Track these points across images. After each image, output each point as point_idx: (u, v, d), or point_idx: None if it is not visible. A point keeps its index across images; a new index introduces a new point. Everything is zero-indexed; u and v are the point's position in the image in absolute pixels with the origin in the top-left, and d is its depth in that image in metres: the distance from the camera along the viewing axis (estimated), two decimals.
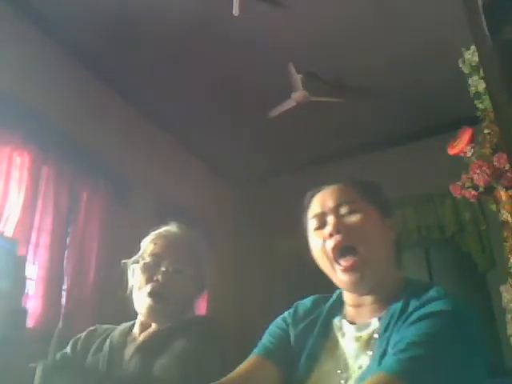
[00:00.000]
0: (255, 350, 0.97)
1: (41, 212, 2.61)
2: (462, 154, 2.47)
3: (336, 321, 0.94)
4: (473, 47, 2.44)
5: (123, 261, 1.32)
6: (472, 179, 2.30)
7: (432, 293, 0.83)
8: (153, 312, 1.22)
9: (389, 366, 0.72)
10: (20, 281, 1.06)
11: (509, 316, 2.23)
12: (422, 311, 0.79)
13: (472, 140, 2.45)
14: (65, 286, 2.66)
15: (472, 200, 2.54)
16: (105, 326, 1.35)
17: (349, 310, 0.95)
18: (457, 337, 0.75)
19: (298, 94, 3.39)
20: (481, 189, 2.28)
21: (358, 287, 0.89)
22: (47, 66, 2.94)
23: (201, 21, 2.97)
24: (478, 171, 2.24)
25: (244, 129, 4.05)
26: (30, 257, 2.48)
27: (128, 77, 3.40)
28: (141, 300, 1.23)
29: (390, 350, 0.77)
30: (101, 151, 3.16)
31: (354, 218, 0.92)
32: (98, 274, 2.83)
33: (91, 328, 1.33)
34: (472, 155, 2.39)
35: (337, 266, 0.90)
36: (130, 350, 1.21)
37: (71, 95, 3.06)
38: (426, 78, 3.48)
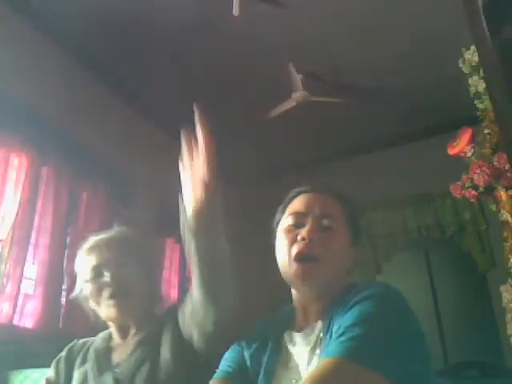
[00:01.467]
0: (215, 376, 0.99)
1: (40, 212, 2.61)
2: (462, 154, 2.47)
3: (286, 334, 0.97)
4: (473, 47, 2.44)
5: (72, 296, 1.32)
6: (472, 179, 2.30)
7: (362, 285, 0.88)
8: (121, 311, 1.23)
9: (331, 351, 0.75)
10: None
11: (509, 316, 2.23)
12: (355, 299, 0.83)
13: (472, 140, 2.45)
14: (65, 286, 2.66)
15: (472, 200, 2.54)
16: (82, 340, 1.36)
17: (297, 320, 0.98)
18: (389, 312, 0.79)
19: (298, 94, 3.39)
20: (481, 189, 2.28)
21: (307, 283, 0.92)
22: (46, 66, 2.94)
23: (201, 21, 2.97)
24: (477, 171, 2.24)
25: (244, 129, 4.05)
26: (29, 257, 2.49)
27: (128, 77, 3.40)
28: (104, 308, 1.24)
29: (332, 339, 0.80)
30: (101, 151, 3.16)
31: (329, 235, 0.94)
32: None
33: (70, 344, 1.34)
34: (472, 155, 2.39)
35: (294, 263, 0.92)
36: (120, 355, 1.22)
37: (71, 95, 3.06)
38: (426, 78, 3.48)
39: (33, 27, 2.87)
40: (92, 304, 1.28)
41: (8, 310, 2.29)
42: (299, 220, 0.96)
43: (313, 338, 0.89)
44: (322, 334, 0.88)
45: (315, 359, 0.86)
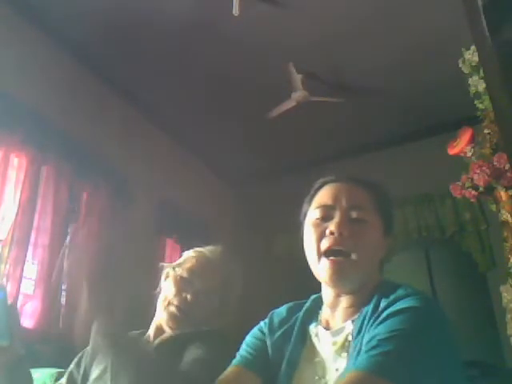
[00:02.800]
0: (234, 361, 0.96)
1: (40, 212, 2.61)
2: (462, 154, 2.47)
3: (312, 327, 0.94)
4: (473, 47, 2.44)
5: (162, 263, 1.32)
6: (472, 179, 2.30)
7: (400, 291, 0.84)
8: (174, 321, 1.21)
9: (361, 364, 0.73)
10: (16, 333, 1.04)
11: (509, 316, 2.23)
12: (391, 309, 0.79)
13: (472, 140, 2.45)
14: (65, 286, 2.66)
15: (472, 200, 2.54)
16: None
17: (324, 314, 0.94)
18: (425, 330, 0.76)
19: (298, 94, 3.39)
20: (481, 189, 2.28)
21: (339, 281, 0.88)
22: (46, 65, 2.94)
23: (201, 21, 2.97)
24: (478, 171, 2.24)
25: (244, 129, 4.05)
26: (29, 257, 2.49)
27: (128, 77, 3.40)
28: (165, 311, 1.23)
29: (362, 349, 0.78)
30: (101, 151, 3.16)
31: (359, 227, 0.89)
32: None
33: (79, 355, 1.30)
34: (472, 155, 2.39)
35: (324, 259, 0.88)
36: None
37: (71, 95, 3.06)
38: (426, 78, 3.48)
39: (33, 27, 2.87)
40: (163, 284, 1.27)
41: None
42: (327, 213, 0.91)
43: (340, 339, 0.86)
44: (350, 338, 0.84)
45: (341, 361, 0.83)
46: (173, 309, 1.21)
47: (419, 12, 2.92)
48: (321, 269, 0.89)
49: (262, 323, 1.01)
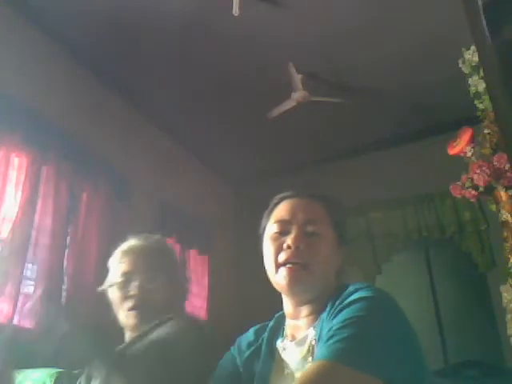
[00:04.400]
0: None
1: (40, 212, 2.61)
2: (461, 154, 2.47)
3: (279, 343, 0.96)
4: (473, 47, 2.44)
5: (100, 288, 1.34)
6: (472, 179, 2.30)
7: (350, 288, 0.88)
8: (139, 322, 1.24)
9: (319, 355, 0.76)
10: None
11: (509, 316, 2.23)
12: (344, 303, 0.83)
13: (472, 140, 2.45)
14: (65, 286, 2.66)
15: (472, 200, 2.54)
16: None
17: (288, 328, 0.97)
18: (378, 315, 0.80)
19: (298, 94, 3.39)
20: (481, 189, 2.28)
21: (296, 288, 0.92)
22: (46, 65, 2.94)
23: (201, 21, 2.97)
24: (478, 171, 2.24)
25: (244, 129, 4.05)
26: (29, 257, 2.49)
27: (128, 77, 3.40)
28: (123, 316, 1.26)
29: (322, 342, 0.81)
30: (101, 151, 3.16)
31: (315, 240, 0.94)
32: (98, 274, 2.82)
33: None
34: (472, 155, 2.39)
35: (281, 268, 0.93)
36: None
37: (71, 95, 3.06)
38: (426, 78, 3.48)
39: (33, 27, 2.87)
40: (113, 304, 1.30)
41: (8, 310, 2.29)
42: (284, 227, 0.96)
43: (305, 348, 0.89)
44: (314, 342, 0.87)
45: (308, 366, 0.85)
46: (131, 314, 1.24)
47: (419, 12, 2.92)
48: (279, 278, 0.93)
49: (231, 349, 1.05)
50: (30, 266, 2.53)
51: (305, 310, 0.94)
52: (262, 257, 1.02)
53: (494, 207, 2.36)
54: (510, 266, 2.21)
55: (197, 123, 3.96)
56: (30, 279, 2.53)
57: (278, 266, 0.93)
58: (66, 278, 2.68)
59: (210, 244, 4.21)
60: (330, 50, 3.24)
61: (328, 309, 0.88)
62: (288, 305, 0.97)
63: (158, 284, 1.28)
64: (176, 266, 1.39)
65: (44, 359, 1.82)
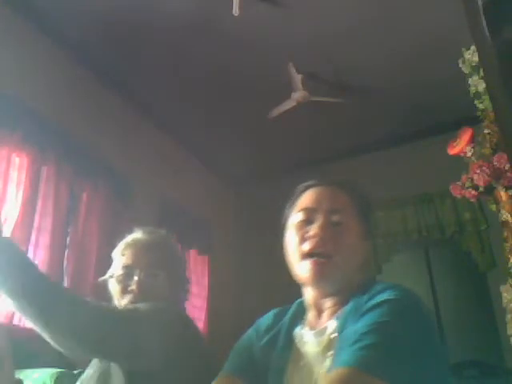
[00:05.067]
0: (223, 370, 0.96)
1: (40, 212, 2.61)
2: (461, 154, 2.47)
3: (297, 331, 0.94)
4: (473, 47, 2.44)
5: (101, 279, 1.33)
6: (472, 179, 2.30)
7: (378, 286, 0.85)
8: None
9: (344, 359, 0.74)
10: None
11: (509, 316, 2.23)
12: (370, 303, 0.81)
13: (472, 140, 2.45)
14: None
15: (472, 200, 2.54)
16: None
17: (310, 316, 0.95)
18: (405, 321, 0.77)
19: (298, 94, 3.39)
20: (481, 189, 2.28)
21: (320, 282, 0.90)
22: (47, 65, 2.94)
23: (201, 21, 2.97)
24: (478, 171, 2.24)
25: (244, 129, 4.05)
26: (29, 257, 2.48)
27: (128, 77, 3.40)
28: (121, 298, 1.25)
29: (345, 344, 0.78)
30: (101, 151, 3.16)
31: (340, 230, 0.91)
32: (98, 273, 2.82)
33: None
34: (472, 155, 2.39)
35: (305, 261, 0.90)
36: None
37: (71, 95, 3.06)
38: (426, 78, 3.48)
39: (33, 27, 2.87)
40: (113, 296, 1.29)
41: (8, 310, 2.29)
42: (309, 216, 0.93)
43: (325, 339, 0.87)
44: (333, 336, 0.85)
45: (327, 361, 0.84)
46: (129, 307, 1.22)
47: (419, 12, 2.92)
48: (302, 270, 0.91)
49: (249, 330, 1.03)
50: None
51: (327, 302, 0.92)
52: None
53: (494, 207, 2.36)
54: (510, 265, 2.21)
55: (197, 123, 3.96)
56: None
57: (301, 256, 0.90)
58: (66, 278, 2.68)
59: (210, 244, 4.21)
60: (330, 50, 3.24)
61: (353, 304, 0.86)
62: (310, 296, 0.95)
63: (158, 281, 1.27)
64: (179, 265, 1.37)
65: (44, 359, 1.82)
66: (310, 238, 0.91)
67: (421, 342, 0.76)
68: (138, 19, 2.95)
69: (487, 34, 1.15)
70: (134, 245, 1.30)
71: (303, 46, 3.18)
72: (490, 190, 2.26)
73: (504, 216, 2.21)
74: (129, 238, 1.33)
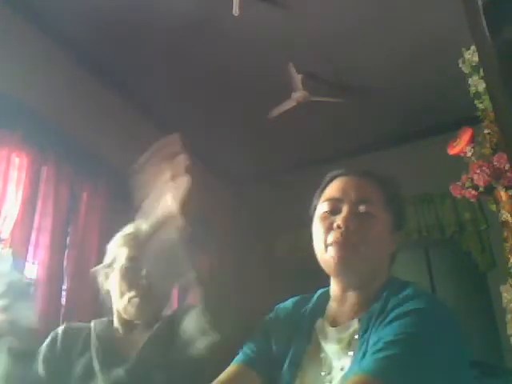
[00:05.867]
0: (236, 359, 0.95)
1: (40, 212, 2.61)
2: (461, 154, 2.47)
3: (318, 323, 0.92)
4: (473, 47, 2.44)
5: (93, 269, 1.32)
6: (472, 179, 2.30)
7: (408, 291, 0.83)
8: (140, 312, 1.23)
9: (366, 366, 0.72)
10: None
11: (509, 316, 2.23)
12: (398, 311, 0.78)
13: (472, 140, 2.45)
14: (65, 286, 2.66)
15: (472, 200, 2.54)
16: (75, 325, 1.33)
17: (331, 310, 0.93)
18: (433, 335, 0.75)
19: (298, 94, 3.39)
20: (481, 189, 2.28)
21: (345, 270, 0.87)
22: (46, 65, 2.94)
23: (201, 20, 2.97)
24: (478, 171, 2.24)
25: (244, 129, 4.05)
26: (29, 257, 2.49)
27: (128, 76, 3.40)
28: (124, 302, 1.23)
29: (368, 351, 0.76)
30: (101, 151, 3.16)
31: (367, 221, 0.89)
32: None
33: (63, 328, 1.30)
34: (472, 155, 2.40)
35: (330, 247, 0.88)
36: (127, 349, 1.21)
37: (71, 95, 3.06)
38: (426, 78, 3.48)
39: (33, 26, 2.87)
40: (108, 286, 1.27)
41: None
42: (335, 206, 0.91)
43: (346, 337, 0.85)
44: (356, 336, 0.83)
45: (347, 359, 0.82)
46: (135, 300, 1.22)
47: (419, 12, 2.92)
48: (328, 257, 0.88)
49: (267, 318, 1.00)
50: (30, 265, 2.52)
51: (352, 297, 0.90)
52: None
53: (494, 207, 2.36)
54: (510, 265, 2.21)
55: (197, 123, 3.96)
56: (30, 279, 2.53)
57: (326, 246, 0.89)
58: (65, 278, 2.68)
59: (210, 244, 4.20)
60: (330, 50, 3.24)
61: (380, 305, 0.83)
62: (335, 287, 0.93)
63: (166, 276, 1.27)
64: (181, 258, 1.38)
65: None
66: (335, 228, 0.88)
67: (446, 358, 0.73)
68: (137, 19, 2.95)
69: (487, 33, 1.15)
70: (141, 237, 1.28)
71: (303, 45, 3.18)
72: (490, 189, 2.26)
73: (504, 216, 2.21)
74: (132, 229, 1.32)
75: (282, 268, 4.21)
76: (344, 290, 0.91)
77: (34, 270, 2.54)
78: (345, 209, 0.90)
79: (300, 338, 0.91)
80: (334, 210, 0.91)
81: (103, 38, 3.07)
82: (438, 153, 2.89)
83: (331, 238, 0.88)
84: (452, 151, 2.54)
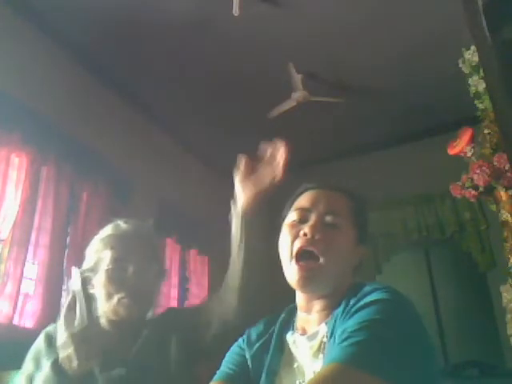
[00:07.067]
0: (215, 377, 0.97)
1: (40, 212, 2.61)
2: (462, 154, 2.47)
3: (289, 335, 0.95)
4: (473, 47, 2.44)
5: (74, 271, 1.28)
6: (472, 179, 2.30)
7: (367, 288, 0.86)
8: (129, 312, 1.22)
9: (334, 355, 0.74)
10: None
11: (509, 316, 2.23)
12: (359, 304, 0.82)
13: (472, 140, 2.45)
14: (65, 286, 2.66)
15: (472, 200, 2.54)
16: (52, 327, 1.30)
17: (300, 321, 0.96)
18: (394, 319, 0.78)
19: (298, 94, 3.39)
20: (481, 189, 2.28)
21: (307, 286, 0.91)
22: (46, 65, 2.94)
23: (201, 20, 2.97)
24: (478, 171, 2.24)
25: (244, 129, 4.05)
26: (29, 257, 2.49)
27: (128, 76, 3.40)
28: (113, 303, 1.22)
29: (335, 342, 0.79)
30: (101, 151, 3.16)
31: (332, 232, 0.92)
32: None
33: (47, 330, 1.29)
34: (472, 155, 2.40)
35: (293, 264, 0.91)
36: (120, 352, 1.21)
37: (71, 95, 3.06)
38: (426, 77, 3.48)
39: (33, 26, 2.87)
40: (97, 292, 1.25)
41: (8, 310, 2.29)
42: (303, 216, 0.95)
43: (316, 343, 0.88)
44: (325, 339, 0.86)
45: (318, 363, 0.85)
46: (124, 300, 1.21)
47: (419, 12, 2.92)
48: (291, 273, 0.92)
49: (240, 340, 1.04)
50: (30, 265, 2.52)
51: (317, 305, 0.93)
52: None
53: (494, 207, 2.36)
54: (510, 265, 2.21)
55: (197, 123, 3.96)
56: (30, 279, 2.53)
57: (291, 256, 0.91)
58: (65, 278, 2.68)
59: (210, 244, 4.20)
60: (330, 50, 3.24)
61: (343, 307, 0.86)
62: (300, 298, 0.96)
63: (151, 275, 1.26)
64: (161, 254, 1.38)
65: None
66: (301, 236, 0.92)
67: (409, 341, 0.76)
68: (138, 19, 2.95)
69: (487, 33, 1.15)
70: (122, 236, 1.27)
71: (303, 45, 3.18)
72: (490, 190, 2.26)
73: (504, 216, 2.21)
74: (112, 230, 1.30)
75: (281, 268, 4.21)
76: (309, 300, 0.94)
77: (34, 269, 2.54)
78: (313, 218, 0.94)
79: (273, 351, 0.95)
80: (302, 219, 0.95)
81: (103, 38, 3.07)
82: (438, 153, 2.89)
83: (297, 245, 0.91)
84: (452, 151, 2.54)
